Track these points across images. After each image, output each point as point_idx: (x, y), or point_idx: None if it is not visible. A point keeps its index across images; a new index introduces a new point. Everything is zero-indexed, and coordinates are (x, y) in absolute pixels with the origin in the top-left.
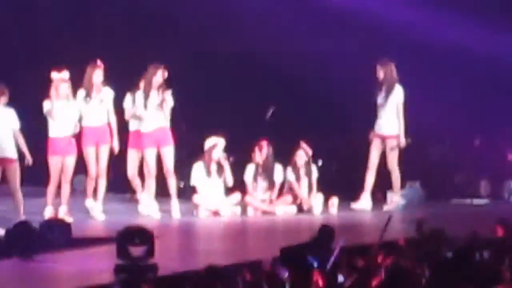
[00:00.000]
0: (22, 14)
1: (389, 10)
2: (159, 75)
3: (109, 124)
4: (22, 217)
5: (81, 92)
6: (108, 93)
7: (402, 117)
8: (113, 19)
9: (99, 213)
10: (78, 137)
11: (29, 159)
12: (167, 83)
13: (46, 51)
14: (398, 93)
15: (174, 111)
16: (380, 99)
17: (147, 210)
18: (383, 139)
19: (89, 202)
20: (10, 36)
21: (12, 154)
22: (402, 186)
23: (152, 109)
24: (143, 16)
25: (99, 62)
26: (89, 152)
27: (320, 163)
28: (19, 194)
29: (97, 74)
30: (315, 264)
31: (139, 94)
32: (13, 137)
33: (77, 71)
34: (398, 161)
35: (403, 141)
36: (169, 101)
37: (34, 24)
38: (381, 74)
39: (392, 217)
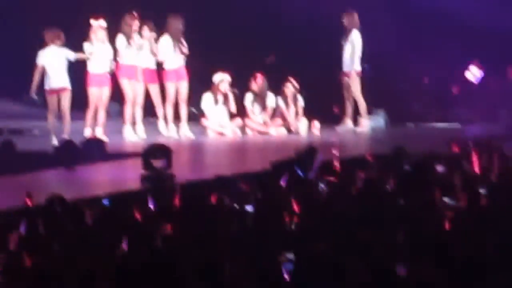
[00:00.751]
0: None
1: None
2: (180, 24)
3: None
4: (66, 136)
5: (121, 37)
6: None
7: (356, 57)
8: None
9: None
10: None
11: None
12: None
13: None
14: (355, 37)
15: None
16: (343, 41)
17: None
18: (345, 75)
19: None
20: None
21: (65, 84)
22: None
23: (175, 51)
24: None
25: (135, 14)
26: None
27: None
28: (68, 117)
29: (135, 24)
30: (301, 174)
31: (165, 39)
32: (66, 72)
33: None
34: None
35: (352, 75)
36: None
37: None
38: (345, 21)
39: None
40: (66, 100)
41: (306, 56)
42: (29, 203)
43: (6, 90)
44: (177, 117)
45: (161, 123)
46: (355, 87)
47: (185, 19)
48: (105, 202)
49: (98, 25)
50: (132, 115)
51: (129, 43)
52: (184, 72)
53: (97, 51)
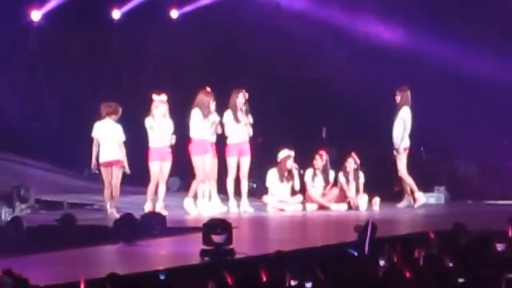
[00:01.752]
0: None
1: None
2: (241, 97)
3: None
4: (112, 208)
5: (197, 112)
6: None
7: (405, 133)
8: (202, 54)
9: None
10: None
11: (127, 168)
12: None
13: (147, 79)
14: (404, 113)
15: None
16: (394, 118)
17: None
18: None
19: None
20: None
21: (118, 156)
22: (431, 189)
23: (239, 125)
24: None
25: (209, 89)
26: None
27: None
28: (118, 190)
29: (211, 99)
30: (355, 254)
31: (228, 114)
32: (119, 146)
33: (171, 95)
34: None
35: (400, 151)
36: (250, 119)
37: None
38: (398, 98)
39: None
40: (116, 173)
41: (367, 133)
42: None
43: (68, 164)
44: (237, 192)
45: (216, 198)
46: (402, 164)
47: (250, 93)
48: (161, 276)
49: (160, 100)
50: (202, 190)
51: (205, 118)
52: (247, 147)
53: (159, 125)
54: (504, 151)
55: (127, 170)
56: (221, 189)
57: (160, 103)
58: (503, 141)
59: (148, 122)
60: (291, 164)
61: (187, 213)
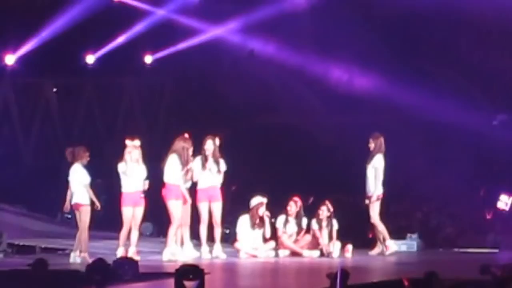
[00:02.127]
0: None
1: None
2: (210, 144)
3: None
4: (84, 252)
5: (175, 158)
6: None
7: (377, 181)
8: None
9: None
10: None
11: (97, 205)
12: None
13: (121, 123)
14: (377, 161)
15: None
16: (367, 165)
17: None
18: (367, 198)
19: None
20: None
21: (80, 200)
22: (403, 237)
23: (206, 171)
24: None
25: (187, 135)
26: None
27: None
28: (84, 233)
29: (189, 145)
30: None
31: (197, 159)
32: (83, 190)
33: (145, 139)
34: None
35: (373, 199)
36: (222, 166)
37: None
38: (371, 145)
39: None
40: (80, 216)
41: (341, 180)
42: None
43: (41, 209)
44: (210, 238)
45: (189, 244)
46: (374, 211)
47: (224, 139)
48: None
49: (133, 145)
50: (175, 236)
51: (183, 164)
52: (217, 192)
53: (132, 170)
54: (477, 200)
55: (98, 205)
56: (194, 234)
57: (133, 148)
58: (478, 190)
59: (121, 167)
60: (263, 211)
61: (159, 258)
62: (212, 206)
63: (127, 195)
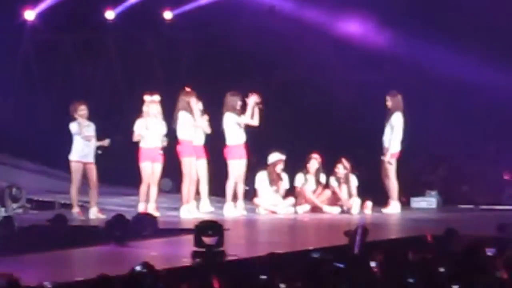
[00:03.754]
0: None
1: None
2: (238, 100)
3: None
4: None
5: (183, 114)
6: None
7: (394, 139)
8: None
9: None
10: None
11: (105, 142)
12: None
13: (141, 80)
14: (395, 119)
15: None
16: (386, 123)
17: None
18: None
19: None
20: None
21: (71, 156)
22: (423, 194)
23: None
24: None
25: (188, 89)
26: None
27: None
28: (72, 189)
29: (194, 100)
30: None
31: (228, 116)
32: (76, 143)
33: (165, 96)
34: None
35: (390, 158)
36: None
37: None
38: (389, 103)
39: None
40: (91, 173)
41: (360, 137)
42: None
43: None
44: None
45: (206, 200)
46: (391, 168)
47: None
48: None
49: (151, 100)
50: (189, 192)
51: (191, 119)
52: (244, 150)
53: (150, 125)
54: (494, 158)
55: (106, 142)
56: (215, 191)
57: (151, 103)
58: (491, 147)
59: (139, 123)
60: (281, 168)
61: (178, 215)
62: (240, 163)
63: (145, 151)
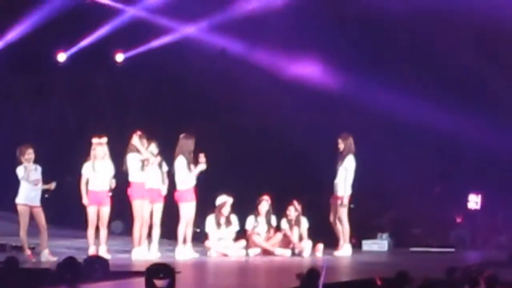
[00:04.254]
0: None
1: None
2: (192, 144)
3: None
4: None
5: (132, 156)
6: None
7: (348, 182)
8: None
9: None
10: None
11: (51, 186)
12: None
13: (92, 122)
14: (348, 162)
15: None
16: (338, 166)
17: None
18: (336, 198)
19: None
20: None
21: (17, 199)
22: (374, 236)
23: (191, 172)
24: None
25: (140, 132)
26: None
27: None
28: (21, 233)
29: (144, 142)
30: None
31: (180, 159)
32: (22, 187)
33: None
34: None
35: (345, 202)
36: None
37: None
38: (341, 145)
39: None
40: (39, 216)
41: (309, 178)
42: None
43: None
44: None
45: (156, 243)
46: (344, 211)
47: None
48: None
49: (98, 142)
50: (141, 235)
51: (142, 162)
52: (193, 193)
53: (97, 168)
54: (439, 199)
55: (51, 185)
56: (166, 234)
57: (98, 145)
58: (434, 189)
59: (86, 166)
60: (227, 210)
61: (130, 257)
62: (190, 206)
63: (92, 194)
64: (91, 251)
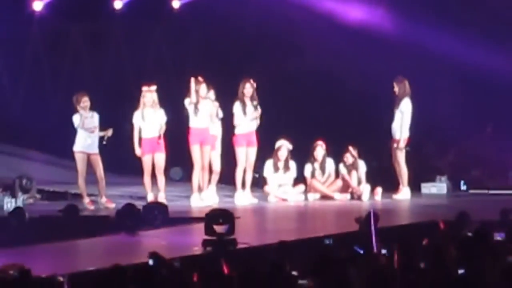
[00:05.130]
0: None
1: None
2: (249, 87)
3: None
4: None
5: (188, 101)
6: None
7: (404, 125)
8: (205, 44)
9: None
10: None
11: (108, 132)
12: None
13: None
14: (404, 105)
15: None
16: (395, 109)
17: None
18: (394, 142)
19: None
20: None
21: (75, 147)
22: (433, 179)
23: (246, 116)
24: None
25: (200, 78)
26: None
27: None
28: (80, 180)
29: (202, 88)
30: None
31: (237, 104)
32: (79, 135)
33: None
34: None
35: (401, 145)
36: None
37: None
38: (396, 89)
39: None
40: (96, 164)
41: (369, 123)
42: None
43: (71, 157)
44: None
45: (213, 188)
46: (401, 154)
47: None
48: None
49: (148, 90)
50: (200, 181)
51: (197, 108)
52: (254, 137)
53: (147, 116)
54: (494, 140)
55: (109, 132)
56: (226, 179)
57: (147, 93)
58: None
59: (136, 113)
60: (284, 154)
61: (189, 203)
62: (249, 151)
63: (144, 141)
64: (150, 198)
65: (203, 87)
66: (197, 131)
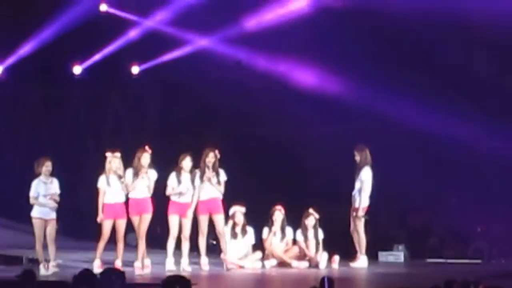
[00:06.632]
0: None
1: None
2: (211, 156)
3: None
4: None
5: (130, 171)
6: (152, 174)
7: (364, 193)
8: (163, 110)
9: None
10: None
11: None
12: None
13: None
14: (364, 174)
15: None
16: (355, 177)
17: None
18: (353, 210)
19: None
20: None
21: (32, 213)
22: (390, 248)
23: (208, 183)
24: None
25: (147, 147)
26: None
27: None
28: (37, 245)
29: (145, 157)
30: None
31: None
32: (35, 202)
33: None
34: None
35: (360, 214)
36: (222, 177)
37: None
38: (357, 157)
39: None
40: (51, 229)
41: (326, 190)
42: None
43: (27, 221)
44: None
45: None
46: (360, 223)
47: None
48: None
49: (113, 156)
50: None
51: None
52: (218, 204)
53: (112, 182)
54: (455, 210)
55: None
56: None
57: (113, 158)
58: (451, 199)
59: (101, 179)
60: (240, 220)
61: (146, 269)
62: (214, 218)
63: (107, 207)
64: (96, 264)
65: (145, 156)
66: (135, 202)
